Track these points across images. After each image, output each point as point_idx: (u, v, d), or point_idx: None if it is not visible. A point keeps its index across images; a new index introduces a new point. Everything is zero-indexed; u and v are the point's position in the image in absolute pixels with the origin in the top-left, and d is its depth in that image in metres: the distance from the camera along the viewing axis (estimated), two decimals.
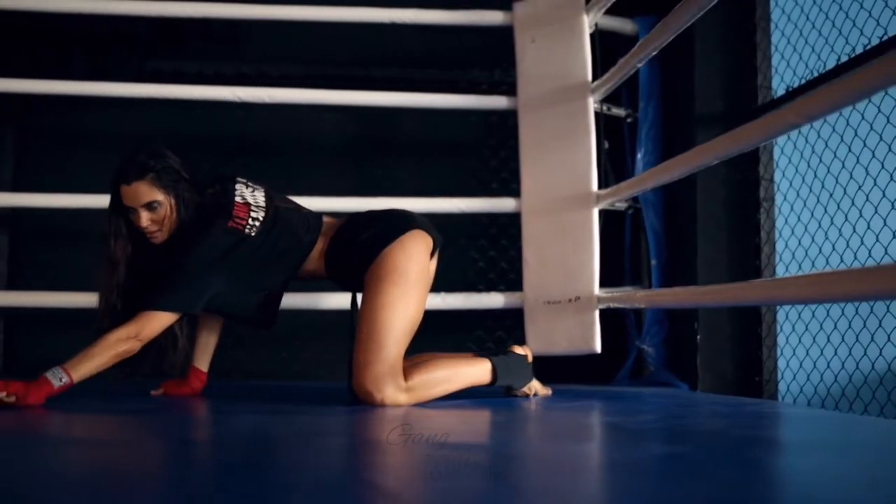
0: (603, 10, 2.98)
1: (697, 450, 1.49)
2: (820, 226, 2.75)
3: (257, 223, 2.31)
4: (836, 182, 2.65)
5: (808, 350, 2.81)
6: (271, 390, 2.79)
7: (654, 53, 2.59)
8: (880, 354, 2.42)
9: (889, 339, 2.45)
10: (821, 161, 2.73)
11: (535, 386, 2.50)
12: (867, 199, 2.48)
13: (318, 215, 2.50)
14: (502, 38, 3.34)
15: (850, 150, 2.56)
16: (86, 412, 2.08)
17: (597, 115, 3.06)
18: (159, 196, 2.24)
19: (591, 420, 2.08)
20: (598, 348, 2.81)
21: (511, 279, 3.55)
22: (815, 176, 2.78)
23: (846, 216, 2.60)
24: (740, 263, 3.08)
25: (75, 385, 2.09)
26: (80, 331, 3.50)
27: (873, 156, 2.44)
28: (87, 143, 3.69)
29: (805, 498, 1.05)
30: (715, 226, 3.10)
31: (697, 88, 3.15)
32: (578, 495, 1.05)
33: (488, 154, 3.68)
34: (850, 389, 2.67)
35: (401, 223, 2.37)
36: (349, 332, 2.38)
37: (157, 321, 2.18)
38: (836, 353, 2.66)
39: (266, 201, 2.38)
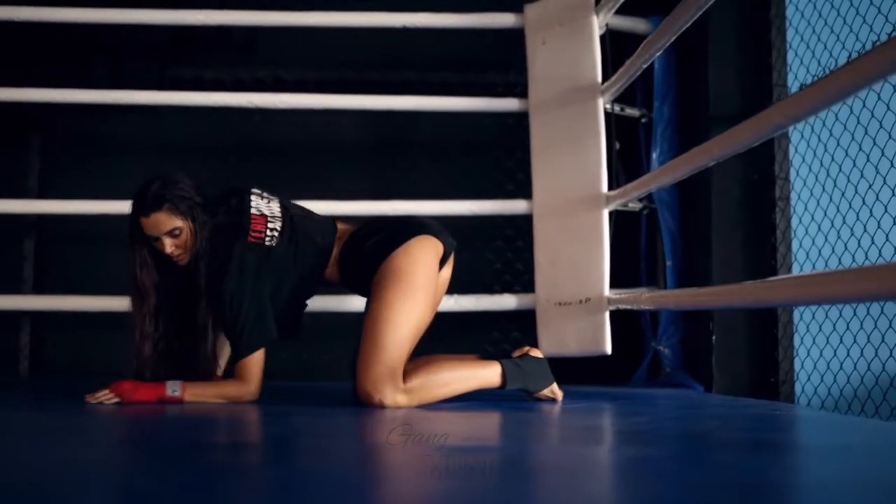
0: (613, 10, 2.97)
1: (696, 452, 1.48)
2: (833, 225, 2.72)
3: (275, 233, 2.36)
4: (848, 181, 2.62)
5: (822, 351, 2.79)
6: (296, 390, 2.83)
7: (659, 54, 2.57)
8: (890, 356, 2.39)
9: None
10: (833, 160, 2.70)
11: (556, 388, 2.43)
12: (877, 199, 2.45)
13: (331, 220, 2.54)
14: (517, 40, 3.35)
15: (860, 149, 2.54)
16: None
17: (608, 115, 3.05)
18: (178, 223, 2.29)
19: (593, 422, 2.08)
20: (608, 350, 2.80)
21: (527, 280, 3.54)
22: (828, 174, 2.76)
23: (858, 215, 2.57)
24: (756, 263, 3.05)
25: (184, 402, 2.26)
26: (103, 332, 3.62)
27: (882, 154, 2.42)
28: (109, 149, 3.77)
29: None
30: (730, 225, 3.07)
31: (712, 87, 3.13)
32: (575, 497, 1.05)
33: (504, 156, 3.69)
34: (864, 392, 2.64)
35: (408, 228, 2.39)
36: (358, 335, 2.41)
37: (255, 364, 2.30)
38: (848, 355, 2.63)
39: (281, 210, 2.44)
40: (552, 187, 3.08)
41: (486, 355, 2.46)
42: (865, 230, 2.52)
